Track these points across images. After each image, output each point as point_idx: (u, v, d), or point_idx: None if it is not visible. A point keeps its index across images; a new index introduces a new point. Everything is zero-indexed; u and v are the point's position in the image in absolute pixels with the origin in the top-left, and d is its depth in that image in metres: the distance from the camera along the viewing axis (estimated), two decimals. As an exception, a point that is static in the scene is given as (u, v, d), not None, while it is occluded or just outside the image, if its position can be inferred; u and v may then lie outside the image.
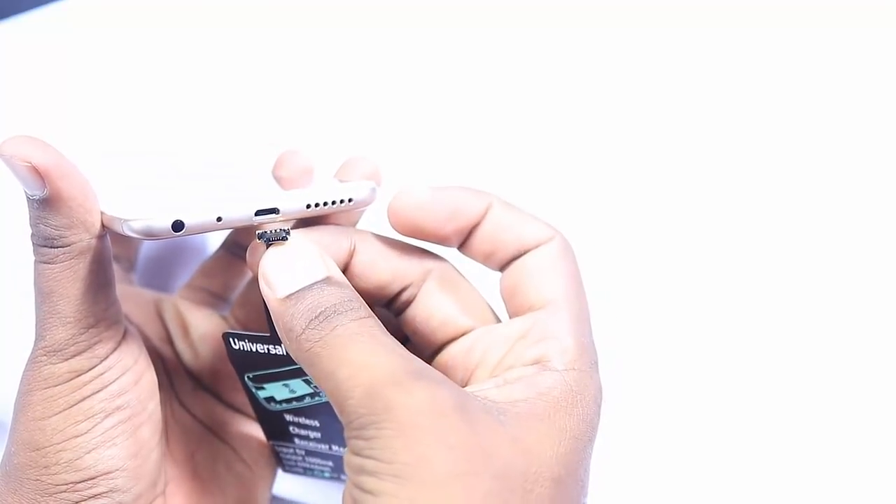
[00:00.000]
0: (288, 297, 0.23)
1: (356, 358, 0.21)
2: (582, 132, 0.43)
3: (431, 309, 0.27)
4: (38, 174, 0.21)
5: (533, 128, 0.43)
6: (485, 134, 0.43)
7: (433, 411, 0.20)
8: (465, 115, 0.43)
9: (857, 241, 0.39)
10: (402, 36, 0.45)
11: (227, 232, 0.35)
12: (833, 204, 0.40)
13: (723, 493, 0.35)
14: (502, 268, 0.27)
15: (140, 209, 0.22)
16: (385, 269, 0.26)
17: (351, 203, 0.26)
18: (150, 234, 0.22)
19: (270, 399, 0.29)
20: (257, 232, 0.24)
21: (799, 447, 0.35)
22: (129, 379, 0.25)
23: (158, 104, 0.43)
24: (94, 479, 0.24)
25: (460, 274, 0.28)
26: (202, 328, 0.31)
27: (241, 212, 0.24)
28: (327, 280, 0.23)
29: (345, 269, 0.26)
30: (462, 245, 0.27)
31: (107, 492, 0.24)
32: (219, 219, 0.23)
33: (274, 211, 0.24)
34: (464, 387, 0.25)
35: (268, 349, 0.27)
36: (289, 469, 0.33)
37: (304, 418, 0.30)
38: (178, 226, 0.22)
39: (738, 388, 0.36)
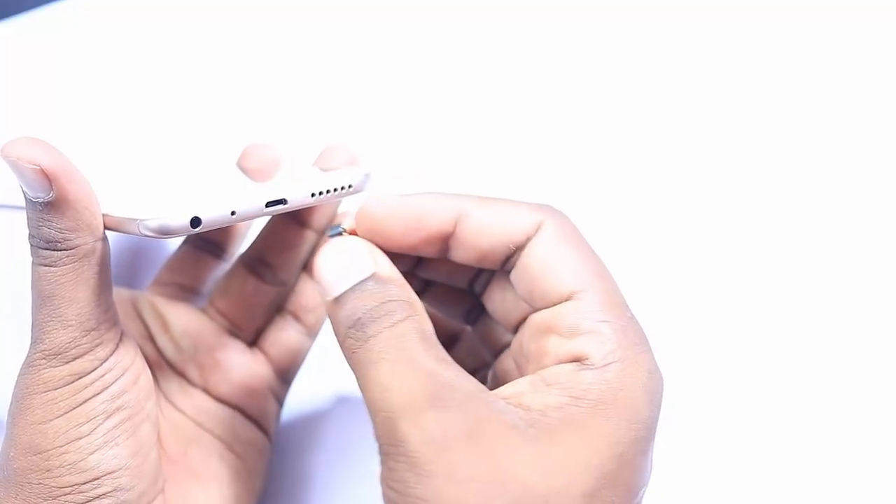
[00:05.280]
0: (335, 300, 0.23)
1: (379, 379, 0.22)
2: (576, 129, 0.43)
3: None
4: (46, 177, 0.21)
5: (522, 122, 0.43)
6: (474, 129, 0.43)
7: (443, 444, 0.20)
8: (457, 110, 0.43)
9: (857, 240, 0.39)
10: (403, 35, 0.45)
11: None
12: (831, 203, 0.40)
13: (718, 494, 0.35)
14: (504, 267, 0.26)
15: (153, 208, 0.23)
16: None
17: (350, 189, 0.27)
18: (166, 233, 0.22)
19: None
20: (329, 233, 0.25)
21: (797, 448, 0.35)
22: (129, 379, 0.25)
23: (157, 104, 0.43)
24: (98, 479, 0.24)
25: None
26: (182, 323, 0.31)
27: (252, 204, 0.24)
28: (372, 277, 0.23)
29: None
30: (447, 255, 0.26)
31: (111, 491, 0.24)
32: (232, 213, 0.24)
33: (282, 202, 0.25)
34: (530, 371, 0.24)
35: None
36: None
37: None
38: (195, 222, 0.23)
39: (734, 389, 0.36)
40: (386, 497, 0.21)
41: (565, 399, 0.22)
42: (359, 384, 0.22)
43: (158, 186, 0.29)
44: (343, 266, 0.24)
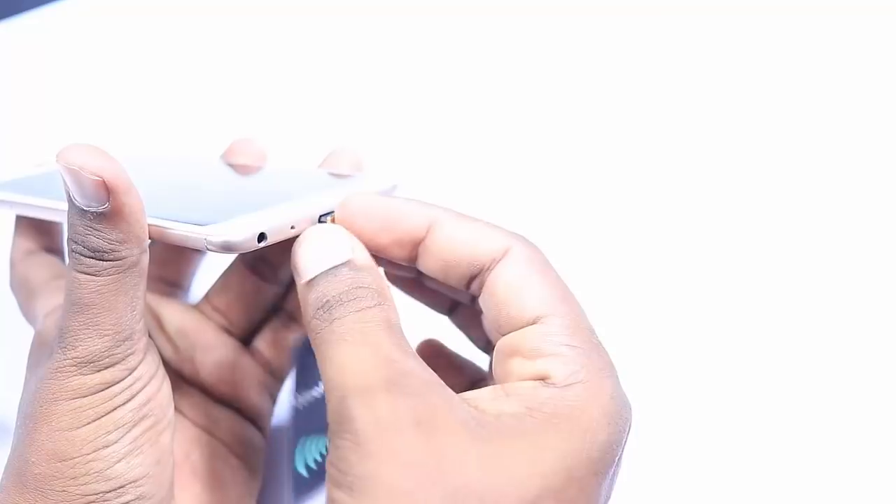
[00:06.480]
0: (307, 282, 0.23)
1: (338, 359, 0.22)
2: (575, 132, 0.43)
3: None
4: (106, 189, 0.21)
5: (522, 125, 0.43)
6: (474, 131, 0.43)
7: (391, 426, 0.20)
8: (457, 112, 0.44)
9: (857, 241, 0.39)
10: (403, 35, 0.45)
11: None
12: (830, 205, 0.40)
13: (717, 495, 0.35)
14: (470, 290, 0.26)
15: (217, 223, 0.22)
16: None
17: None
18: (230, 249, 0.22)
19: None
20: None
21: (796, 450, 0.35)
22: (154, 388, 0.25)
23: (157, 104, 0.43)
24: (122, 487, 0.23)
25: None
26: (177, 321, 0.31)
27: (307, 217, 0.25)
28: (347, 264, 0.23)
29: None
30: (415, 262, 0.26)
31: (135, 499, 0.24)
32: (292, 227, 0.24)
33: (331, 213, 0.25)
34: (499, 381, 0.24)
35: None
36: None
37: None
38: (261, 237, 0.23)
39: (730, 393, 0.37)
40: (329, 476, 0.21)
41: (521, 409, 0.22)
42: (319, 365, 0.22)
43: (188, 193, 0.29)
44: (320, 251, 0.24)
